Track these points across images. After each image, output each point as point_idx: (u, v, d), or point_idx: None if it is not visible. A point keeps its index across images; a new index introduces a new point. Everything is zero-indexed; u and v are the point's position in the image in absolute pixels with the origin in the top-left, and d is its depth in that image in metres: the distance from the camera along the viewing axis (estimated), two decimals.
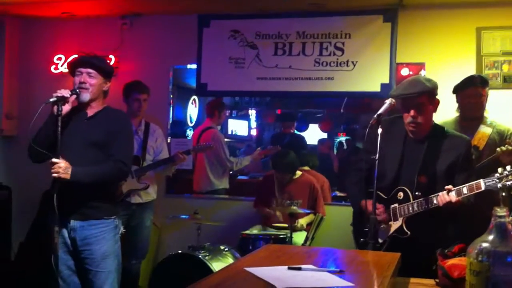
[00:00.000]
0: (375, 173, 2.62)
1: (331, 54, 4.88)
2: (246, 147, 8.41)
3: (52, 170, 2.89)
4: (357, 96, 5.14)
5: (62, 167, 2.89)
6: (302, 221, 4.55)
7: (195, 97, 7.51)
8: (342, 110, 6.75)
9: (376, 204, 2.81)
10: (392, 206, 2.95)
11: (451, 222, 2.93)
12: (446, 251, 1.99)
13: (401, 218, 2.90)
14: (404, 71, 4.89)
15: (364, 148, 3.14)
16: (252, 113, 8.94)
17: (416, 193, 2.87)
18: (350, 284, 1.69)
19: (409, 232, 2.86)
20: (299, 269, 1.87)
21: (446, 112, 4.04)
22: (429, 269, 2.20)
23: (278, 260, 2.03)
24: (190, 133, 7.10)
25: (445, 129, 3.03)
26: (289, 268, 1.87)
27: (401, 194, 2.93)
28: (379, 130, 2.66)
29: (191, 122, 7.65)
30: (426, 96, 2.88)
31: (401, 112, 2.96)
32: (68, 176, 2.91)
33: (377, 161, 2.61)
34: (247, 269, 1.85)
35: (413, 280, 2.09)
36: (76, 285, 3.12)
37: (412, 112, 2.87)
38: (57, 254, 2.95)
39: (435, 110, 2.97)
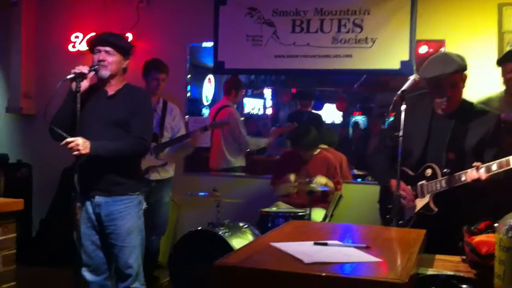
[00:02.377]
0: (399, 151, 2.60)
1: (350, 31, 4.82)
2: (262, 126, 8.40)
3: (72, 150, 2.90)
4: (376, 74, 5.09)
5: (79, 143, 2.89)
6: (319, 180, 4.46)
7: (210, 76, 7.49)
8: (355, 86, 6.68)
9: (403, 184, 2.80)
10: (420, 183, 2.93)
11: (480, 199, 2.89)
12: (472, 228, 1.98)
13: (428, 195, 2.88)
14: (423, 49, 4.83)
15: (390, 125, 3.12)
16: (268, 92, 8.90)
17: (445, 170, 2.84)
18: (377, 259, 1.69)
19: (436, 209, 2.84)
20: (325, 244, 1.87)
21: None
22: (454, 246, 2.20)
23: (303, 236, 2.04)
24: (206, 112, 7.10)
25: (474, 104, 3.00)
26: (315, 244, 1.87)
27: (429, 171, 2.90)
28: (403, 107, 2.63)
29: (207, 101, 7.64)
30: (460, 73, 2.85)
31: (432, 91, 2.92)
32: (88, 151, 2.92)
33: (401, 138, 2.59)
34: (273, 244, 1.85)
35: (438, 256, 2.09)
36: (100, 259, 3.17)
37: (448, 92, 2.83)
38: (79, 230, 2.98)
39: (464, 86, 2.94)
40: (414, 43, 4.68)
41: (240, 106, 7.56)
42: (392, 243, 1.99)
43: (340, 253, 1.77)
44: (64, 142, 2.92)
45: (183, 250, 4.05)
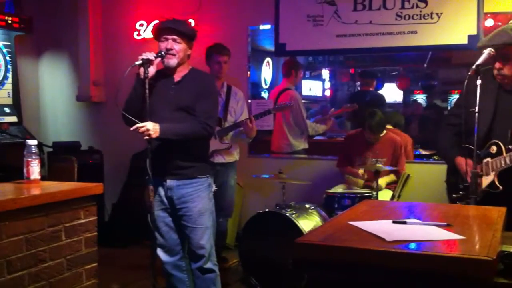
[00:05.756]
0: (475, 127, 2.54)
1: (414, 6, 4.70)
2: (321, 107, 8.34)
3: (143, 134, 2.97)
4: (442, 49, 4.95)
5: (150, 128, 2.96)
6: (381, 182, 4.42)
7: (268, 58, 7.49)
8: (425, 65, 6.53)
9: (469, 161, 2.75)
10: (485, 160, 2.87)
11: None
12: None
13: (493, 173, 2.82)
14: (488, 22, 4.64)
15: (458, 101, 3.05)
16: (326, 73, 8.81)
17: (510, 146, 2.76)
18: (460, 236, 1.67)
19: (501, 187, 2.78)
20: (405, 223, 1.87)
21: None
22: None
23: (380, 214, 2.04)
24: (265, 95, 7.12)
25: None
26: (394, 222, 1.87)
27: (494, 148, 2.84)
28: (478, 81, 2.57)
29: (266, 84, 7.66)
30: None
31: (491, 63, 2.86)
32: (158, 134, 2.98)
33: (477, 114, 2.53)
34: (351, 223, 1.86)
35: None
36: (174, 240, 3.26)
37: (497, 64, 2.80)
38: (153, 212, 3.08)
39: None
40: (482, 16, 4.51)
41: (299, 88, 7.53)
42: (474, 221, 1.96)
43: (421, 231, 1.77)
44: (134, 127, 3.00)
45: (251, 232, 4.12)
